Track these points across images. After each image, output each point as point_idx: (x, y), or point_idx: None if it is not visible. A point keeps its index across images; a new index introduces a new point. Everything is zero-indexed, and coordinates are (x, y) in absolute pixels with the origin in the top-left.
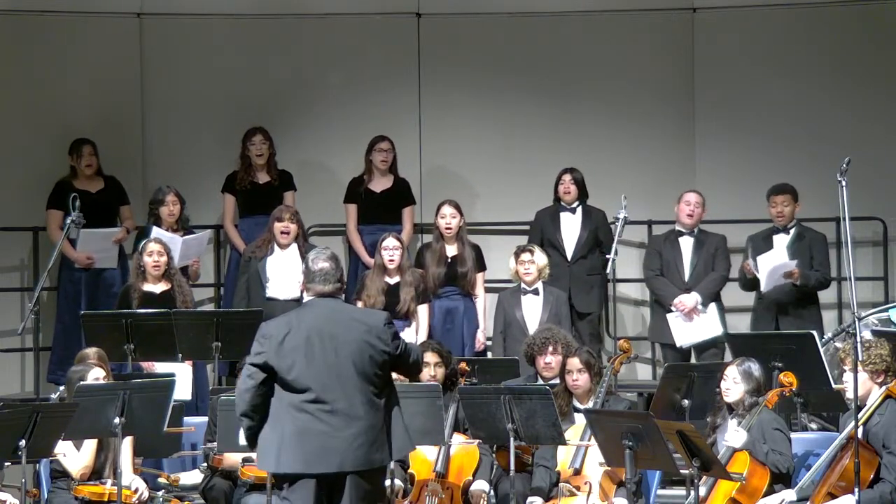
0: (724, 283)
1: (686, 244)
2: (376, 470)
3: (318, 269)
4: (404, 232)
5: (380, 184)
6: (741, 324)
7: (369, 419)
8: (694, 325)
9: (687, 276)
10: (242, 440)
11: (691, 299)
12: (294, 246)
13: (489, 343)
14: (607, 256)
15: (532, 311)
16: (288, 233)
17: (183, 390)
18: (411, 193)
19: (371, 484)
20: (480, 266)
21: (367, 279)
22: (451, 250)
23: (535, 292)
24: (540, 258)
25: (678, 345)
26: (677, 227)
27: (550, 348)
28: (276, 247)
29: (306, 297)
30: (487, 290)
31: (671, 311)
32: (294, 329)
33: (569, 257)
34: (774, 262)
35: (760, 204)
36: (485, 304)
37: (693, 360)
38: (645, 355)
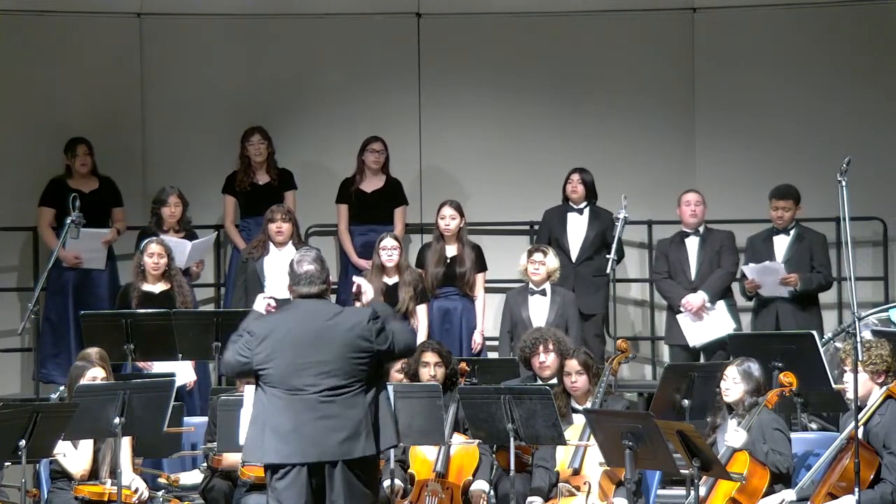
0: (732, 279)
1: (692, 244)
2: (366, 461)
3: (304, 271)
4: (396, 232)
5: (371, 184)
6: (742, 324)
7: (353, 412)
8: (704, 323)
9: (693, 276)
10: (242, 440)
11: (698, 298)
12: (290, 245)
13: (488, 343)
14: (607, 256)
15: (539, 311)
16: (282, 232)
17: (186, 375)
18: (403, 193)
19: (361, 475)
20: (481, 266)
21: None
22: (451, 250)
23: (543, 293)
24: (552, 261)
25: (691, 345)
26: (683, 228)
27: (541, 347)
28: (272, 247)
29: (291, 298)
30: (488, 291)
31: (680, 311)
32: (278, 327)
33: (574, 258)
34: (764, 265)
35: (760, 204)
36: (484, 304)
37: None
38: (645, 355)
